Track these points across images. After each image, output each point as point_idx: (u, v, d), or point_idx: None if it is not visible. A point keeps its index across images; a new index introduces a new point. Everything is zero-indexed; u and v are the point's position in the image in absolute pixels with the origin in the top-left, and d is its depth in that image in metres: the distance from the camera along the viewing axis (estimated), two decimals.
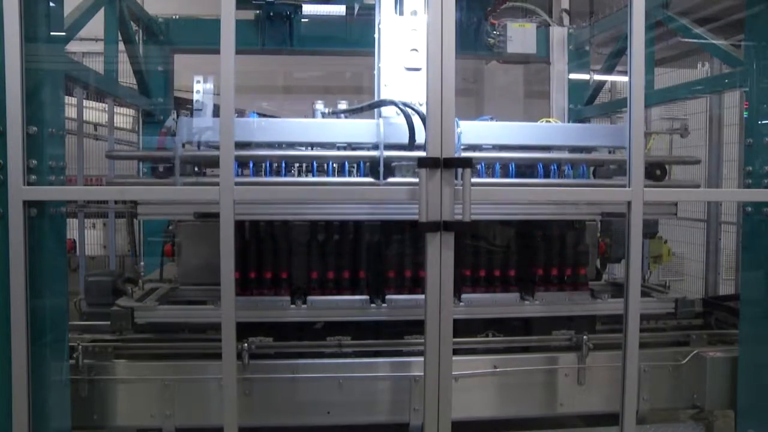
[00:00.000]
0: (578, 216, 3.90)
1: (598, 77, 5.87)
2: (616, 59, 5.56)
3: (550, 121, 4.30)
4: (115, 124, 7.04)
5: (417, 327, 3.20)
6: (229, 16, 2.65)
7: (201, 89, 3.92)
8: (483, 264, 3.88)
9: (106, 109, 7.27)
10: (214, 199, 2.72)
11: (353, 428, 3.56)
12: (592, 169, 4.09)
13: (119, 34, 4.87)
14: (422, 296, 2.83)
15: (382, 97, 3.83)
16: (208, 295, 3.79)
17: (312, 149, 3.81)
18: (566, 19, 6.11)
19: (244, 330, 3.44)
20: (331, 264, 3.78)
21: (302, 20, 5.60)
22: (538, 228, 3.93)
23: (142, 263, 4.66)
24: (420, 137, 3.43)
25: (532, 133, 3.86)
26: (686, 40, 4.66)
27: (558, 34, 5.80)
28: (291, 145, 3.76)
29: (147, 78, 5.40)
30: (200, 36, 5.34)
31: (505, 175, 3.84)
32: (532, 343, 3.82)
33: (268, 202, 3.53)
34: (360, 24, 5.35)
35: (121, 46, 5.03)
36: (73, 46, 5.46)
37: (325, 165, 3.68)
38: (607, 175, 4.06)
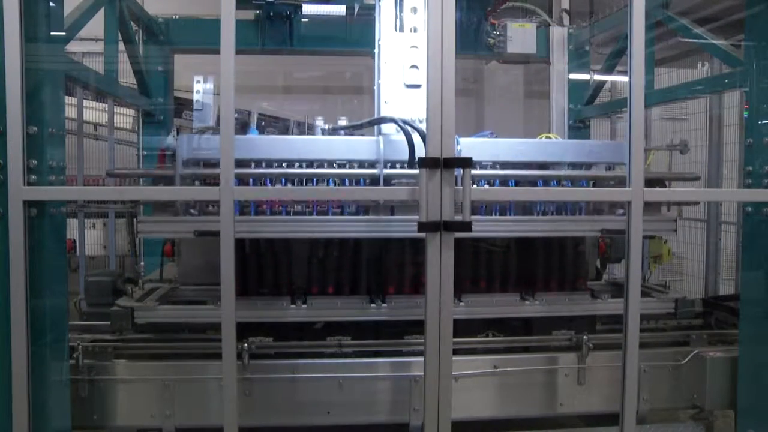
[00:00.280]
0: (578, 233, 3.90)
1: (598, 77, 5.87)
2: (616, 59, 5.56)
3: (549, 137, 4.30)
4: (115, 124, 7.04)
5: (417, 327, 3.21)
6: (229, 16, 2.65)
7: (201, 89, 3.92)
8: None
9: (106, 109, 7.28)
10: (215, 199, 2.72)
11: (353, 428, 3.56)
12: (591, 184, 4.07)
13: (119, 34, 4.87)
14: (422, 296, 2.83)
15: (383, 114, 3.83)
16: (208, 295, 3.79)
17: (314, 166, 3.79)
18: (566, 19, 6.10)
19: (244, 330, 3.45)
20: (330, 279, 3.81)
21: (302, 20, 5.59)
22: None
23: (142, 263, 4.66)
24: (420, 155, 3.43)
25: (532, 150, 3.84)
26: (686, 40, 4.65)
27: (558, 34, 5.80)
28: (291, 163, 3.73)
29: (147, 78, 5.40)
30: (200, 36, 5.34)
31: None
32: (532, 343, 3.82)
33: (269, 220, 3.56)
34: (360, 24, 5.35)
35: (121, 46, 5.03)
36: (73, 46, 5.46)
37: (325, 182, 3.68)
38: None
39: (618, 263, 4.61)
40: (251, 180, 3.59)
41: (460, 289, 3.70)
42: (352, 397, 3.54)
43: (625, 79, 3.15)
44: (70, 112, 6.21)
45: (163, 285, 4.26)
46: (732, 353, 3.70)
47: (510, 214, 3.77)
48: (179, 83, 6.18)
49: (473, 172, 3.69)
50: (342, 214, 3.68)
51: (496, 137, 4.06)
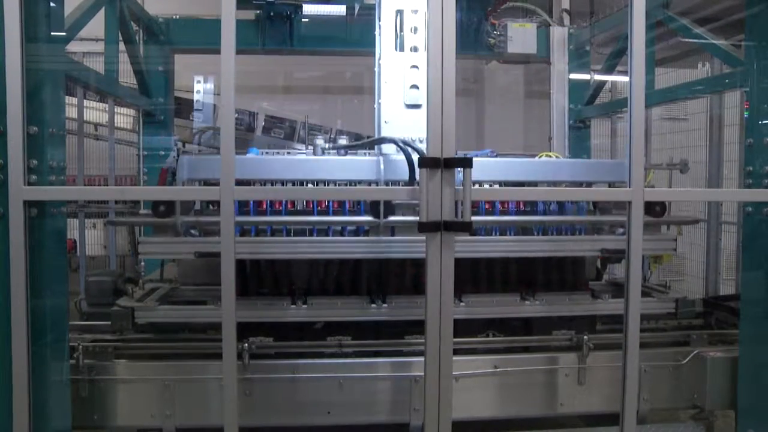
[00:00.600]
0: (577, 253, 3.90)
1: (598, 77, 5.87)
2: (616, 59, 5.56)
3: (550, 156, 4.29)
4: (115, 124, 7.04)
5: (417, 327, 3.21)
6: (229, 16, 2.65)
7: (201, 89, 3.92)
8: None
9: (107, 109, 7.28)
10: (215, 198, 2.72)
11: (353, 428, 3.56)
12: (591, 204, 4.07)
13: (120, 34, 4.87)
14: (422, 296, 2.83)
15: (383, 134, 3.84)
16: (208, 295, 3.79)
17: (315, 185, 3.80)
18: (566, 19, 6.10)
19: (245, 330, 3.45)
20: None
21: (302, 20, 5.59)
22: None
23: (142, 263, 4.67)
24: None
25: (533, 170, 3.84)
26: (686, 40, 4.65)
27: (558, 34, 5.80)
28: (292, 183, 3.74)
29: (147, 78, 5.40)
30: (200, 36, 5.34)
31: (505, 212, 3.84)
32: (532, 343, 3.82)
33: (269, 241, 3.59)
34: (360, 24, 5.35)
35: (122, 46, 5.03)
36: (73, 46, 5.46)
37: (325, 203, 3.69)
38: (608, 210, 4.04)
39: (618, 263, 4.61)
40: (251, 202, 3.61)
41: (461, 289, 3.70)
42: (352, 397, 3.53)
43: (625, 79, 3.15)
44: (71, 112, 6.21)
45: (163, 285, 4.26)
46: (732, 353, 3.69)
47: (510, 234, 3.80)
48: (179, 83, 6.18)
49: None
50: (342, 234, 3.69)
51: (495, 155, 4.07)
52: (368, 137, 4.18)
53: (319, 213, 3.72)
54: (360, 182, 3.67)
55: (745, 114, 3.62)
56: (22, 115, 2.64)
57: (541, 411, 3.71)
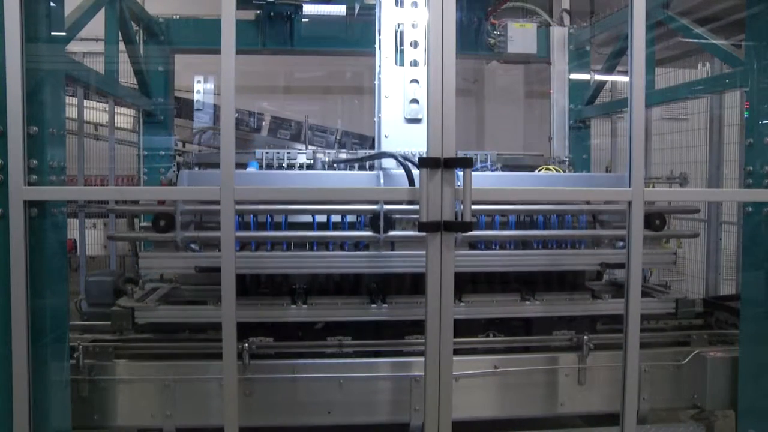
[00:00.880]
0: (577, 267, 3.92)
1: (598, 77, 5.86)
2: (616, 59, 5.56)
3: (549, 169, 4.30)
4: (115, 124, 7.04)
5: (418, 327, 3.21)
6: (229, 16, 2.65)
7: (201, 89, 3.93)
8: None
9: (107, 109, 7.28)
10: (215, 198, 2.72)
11: (354, 428, 3.56)
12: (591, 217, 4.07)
13: (120, 34, 4.87)
14: (422, 296, 2.83)
15: (383, 148, 3.85)
16: (208, 295, 3.79)
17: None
18: (567, 19, 6.10)
19: (245, 330, 3.45)
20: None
21: (303, 20, 5.59)
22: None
23: None
24: None
25: (533, 184, 3.87)
26: (687, 40, 4.65)
27: (558, 34, 5.80)
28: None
29: (147, 78, 5.40)
30: (200, 36, 5.34)
31: (505, 225, 3.85)
32: (532, 343, 3.82)
33: (269, 256, 3.61)
34: (360, 24, 5.35)
35: (122, 46, 5.03)
36: (73, 46, 5.46)
37: (325, 218, 3.70)
38: (608, 223, 4.03)
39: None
40: (251, 218, 3.64)
41: (461, 289, 3.70)
42: (352, 397, 3.53)
43: (625, 79, 3.15)
44: (71, 112, 6.22)
45: (163, 285, 4.26)
46: (732, 353, 3.69)
47: (511, 227, 3.82)
48: (179, 83, 6.18)
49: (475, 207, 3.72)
50: (343, 248, 3.70)
51: (495, 169, 4.08)
52: (367, 152, 4.19)
53: (319, 228, 3.71)
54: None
55: (745, 114, 3.62)
56: (23, 115, 2.64)
57: (542, 411, 3.71)
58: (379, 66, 3.98)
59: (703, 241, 6.41)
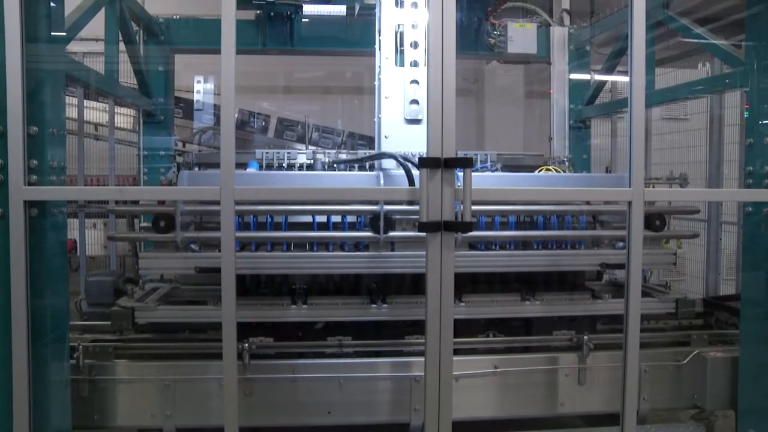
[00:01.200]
0: (577, 267, 3.92)
1: (598, 77, 5.87)
2: (616, 59, 5.56)
3: (549, 170, 4.30)
4: (115, 124, 7.04)
5: (418, 327, 3.20)
6: (229, 16, 2.65)
7: (201, 89, 3.92)
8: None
9: (107, 109, 7.28)
10: (215, 198, 2.72)
11: (354, 428, 3.56)
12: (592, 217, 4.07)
13: (120, 34, 4.87)
14: (422, 297, 2.83)
15: (383, 148, 3.86)
16: (208, 295, 3.79)
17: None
18: (567, 19, 6.10)
19: (245, 330, 3.45)
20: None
21: (303, 20, 5.59)
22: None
23: None
24: None
25: (533, 184, 3.87)
26: (687, 40, 4.65)
27: (558, 34, 5.80)
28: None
29: (147, 78, 5.40)
30: (200, 36, 5.34)
31: (505, 225, 3.86)
32: (532, 343, 3.82)
33: (269, 256, 3.61)
34: (360, 24, 5.35)
35: (122, 46, 5.03)
36: (73, 46, 5.46)
37: (325, 218, 3.70)
38: (608, 224, 4.03)
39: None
40: (252, 219, 3.64)
41: (461, 289, 3.70)
42: (352, 397, 3.53)
43: (625, 79, 3.15)
44: (71, 112, 6.21)
45: (163, 285, 4.26)
46: (733, 353, 3.70)
47: (511, 227, 3.83)
48: (179, 83, 6.17)
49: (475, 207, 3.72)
50: (343, 248, 3.70)
51: (495, 169, 4.08)
52: (367, 152, 4.19)
53: (319, 228, 3.71)
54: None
55: (745, 114, 3.62)
56: (23, 115, 2.64)
57: (542, 411, 3.71)
58: (379, 67, 3.98)
59: (703, 241, 6.40)
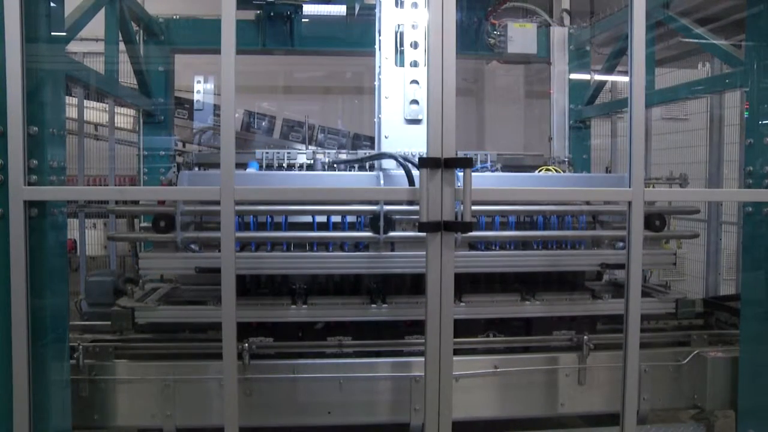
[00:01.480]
0: (577, 267, 3.92)
1: (598, 77, 5.87)
2: (616, 59, 5.56)
3: (549, 170, 4.30)
4: (115, 124, 7.03)
5: (418, 327, 3.20)
6: (229, 16, 2.65)
7: (201, 89, 3.92)
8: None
9: (107, 109, 7.28)
10: (215, 198, 2.72)
11: (354, 428, 3.56)
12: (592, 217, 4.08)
13: (120, 34, 4.87)
14: (422, 297, 2.83)
15: (383, 149, 3.86)
16: (208, 295, 3.79)
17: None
18: (567, 19, 6.10)
19: (245, 330, 3.45)
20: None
21: (303, 20, 5.60)
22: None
23: None
24: None
25: (533, 184, 3.88)
26: (687, 40, 4.65)
27: (559, 34, 5.80)
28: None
29: (147, 78, 5.40)
30: (200, 36, 5.35)
31: (505, 225, 3.86)
32: (532, 344, 3.82)
33: (269, 256, 3.61)
34: (360, 24, 5.35)
35: (122, 46, 5.03)
36: (73, 46, 5.46)
37: (325, 219, 3.70)
38: (608, 224, 4.04)
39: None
40: (252, 219, 3.64)
41: (461, 290, 3.70)
42: (352, 397, 3.54)
43: (625, 79, 3.15)
44: (71, 112, 6.21)
45: (163, 285, 4.26)
46: (733, 353, 3.70)
47: (511, 227, 3.83)
48: (179, 83, 6.18)
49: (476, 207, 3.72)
50: (342, 248, 3.70)
51: (495, 169, 4.07)
52: (367, 152, 4.20)
53: (319, 228, 3.71)
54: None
55: (745, 114, 3.62)
56: (23, 115, 2.64)
57: (542, 411, 3.71)
58: (379, 67, 3.98)
59: (703, 241, 6.40)
